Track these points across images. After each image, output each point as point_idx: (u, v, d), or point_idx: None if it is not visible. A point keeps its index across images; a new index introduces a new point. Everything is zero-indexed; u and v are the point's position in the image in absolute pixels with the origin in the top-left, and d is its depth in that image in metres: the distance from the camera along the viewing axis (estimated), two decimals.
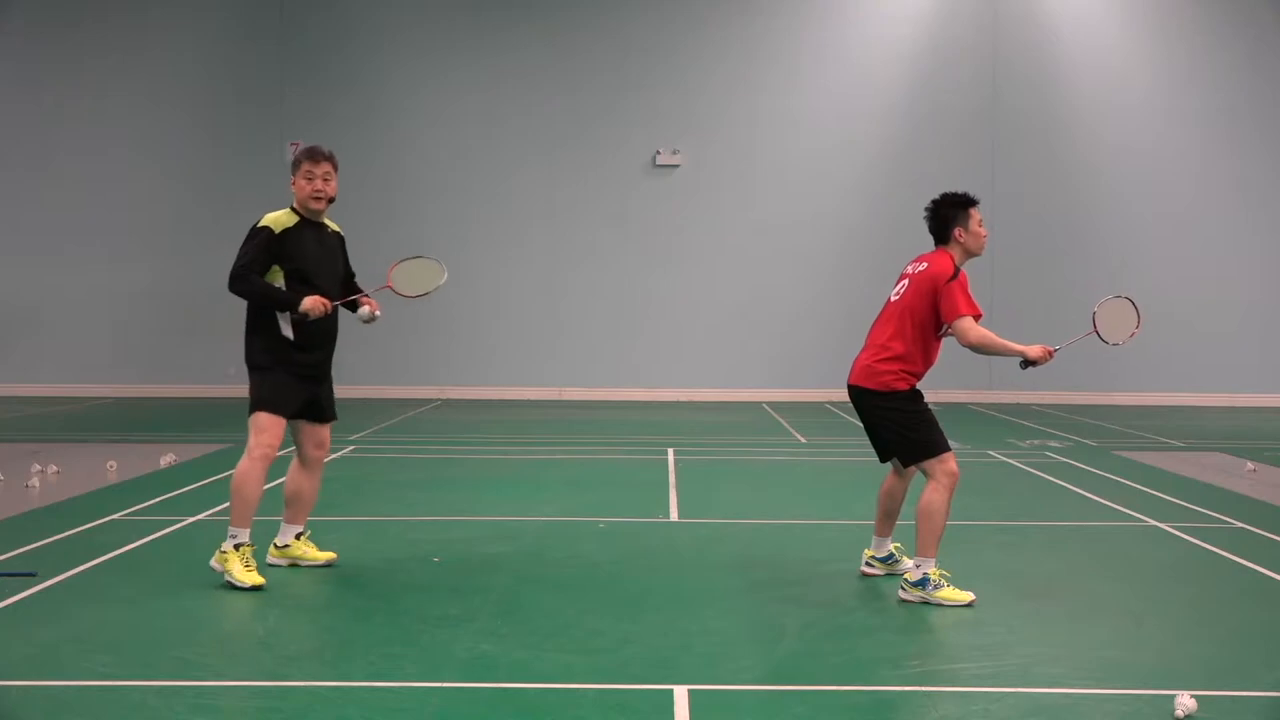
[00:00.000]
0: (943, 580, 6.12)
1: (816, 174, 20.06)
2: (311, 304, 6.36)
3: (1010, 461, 11.66)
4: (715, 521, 8.49)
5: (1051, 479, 10.55)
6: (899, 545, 6.76)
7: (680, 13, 20.19)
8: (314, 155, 6.54)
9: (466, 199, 19.89)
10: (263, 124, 19.96)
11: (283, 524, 6.85)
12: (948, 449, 6.23)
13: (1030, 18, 20.11)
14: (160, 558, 7.06)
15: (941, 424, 6.35)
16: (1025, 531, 8.20)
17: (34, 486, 9.53)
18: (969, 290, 6.19)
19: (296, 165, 6.55)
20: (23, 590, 6.11)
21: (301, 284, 6.43)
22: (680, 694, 4.65)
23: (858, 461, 12.02)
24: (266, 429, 6.39)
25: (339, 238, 6.84)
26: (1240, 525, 8.33)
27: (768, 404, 18.82)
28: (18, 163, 20.18)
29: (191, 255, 19.71)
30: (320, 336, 6.56)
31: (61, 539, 7.44)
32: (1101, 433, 14.63)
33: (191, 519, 8.22)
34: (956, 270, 6.21)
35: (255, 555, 6.41)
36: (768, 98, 20.16)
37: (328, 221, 6.75)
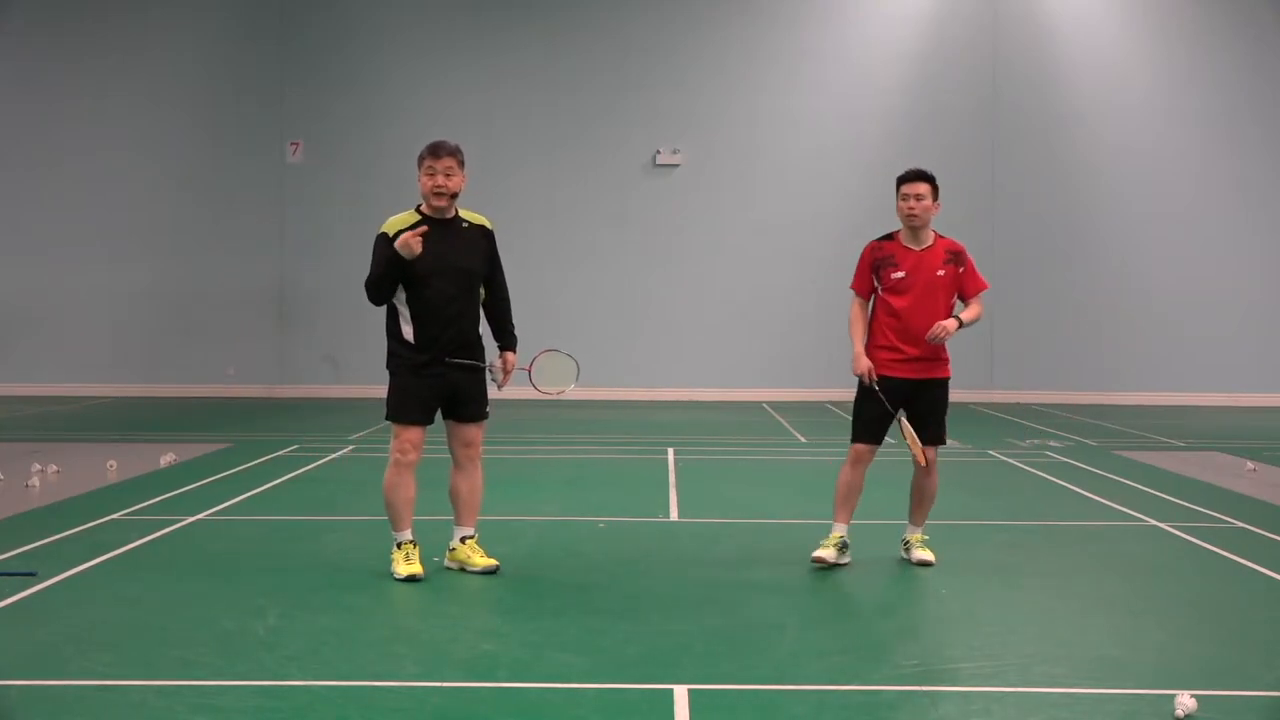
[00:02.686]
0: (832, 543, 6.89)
1: (816, 174, 20.05)
2: (400, 243, 6.24)
3: (1010, 461, 11.65)
4: (715, 521, 8.49)
5: (1051, 479, 10.54)
6: (920, 536, 7.01)
7: (680, 13, 20.18)
8: (435, 151, 6.45)
9: (466, 199, 19.77)
10: (263, 124, 19.93)
11: (453, 527, 6.77)
12: (858, 440, 6.91)
13: (1030, 18, 20.11)
14: (160, 557, 7.07)
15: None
16: (1025, 531, 8.20)
17: (34, 486, 9.52)
18: (868, 261, 7.02)
19: (420, 161, 6.46)
20: (23, 590, 6.11)
21: (418, 282, 6.35)
22: (680, 694, 4.66)
23: None
24: (397, 435, 6.48)
25: (481, 231, 6.63)
26: (1240, 525, 8.33)
27: (768, 404, 18.81)
28: (18, 163, 20.15)
29: (191, 255, 19.61)
30: (439, 331, 6.40)
31: (61, 539, 7.43)
32: (1101, 432, 14.63)
33: (191, 518, 8.21)
34: (873, 240, 7.14)
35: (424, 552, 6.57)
36: (768, 98, 20.15)
37: (468, 215, 6.61)
